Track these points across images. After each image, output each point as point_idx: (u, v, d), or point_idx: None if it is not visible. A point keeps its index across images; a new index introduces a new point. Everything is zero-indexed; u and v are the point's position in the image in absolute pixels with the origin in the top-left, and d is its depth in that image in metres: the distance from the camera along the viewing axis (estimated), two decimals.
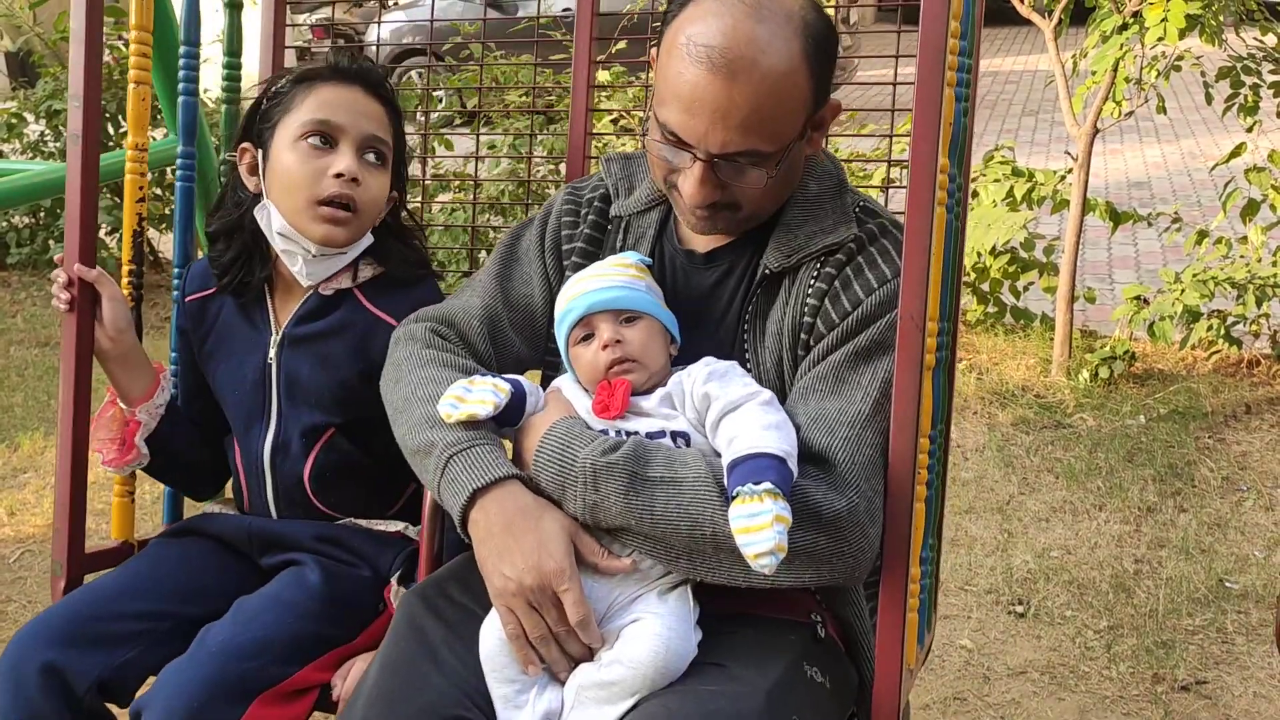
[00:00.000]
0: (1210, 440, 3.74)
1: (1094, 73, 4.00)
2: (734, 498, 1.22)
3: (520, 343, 1.57)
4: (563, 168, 4.96)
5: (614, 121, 4.94)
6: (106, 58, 5.91)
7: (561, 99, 5.16)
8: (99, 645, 1.53)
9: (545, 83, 5.33)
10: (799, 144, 1.40)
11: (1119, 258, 6.00)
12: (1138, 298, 4.33)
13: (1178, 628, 2.79)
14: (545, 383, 1.53)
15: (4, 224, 6.17)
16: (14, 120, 6.22)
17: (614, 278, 1.42)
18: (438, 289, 1.76)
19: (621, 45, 4.74)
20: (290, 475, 1.70)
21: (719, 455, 1.30)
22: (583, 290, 1.42)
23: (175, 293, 1.82)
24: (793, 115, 1.36)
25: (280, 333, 1.70)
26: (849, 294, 1.39)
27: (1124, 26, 3.86)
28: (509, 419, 1.39)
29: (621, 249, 1.54)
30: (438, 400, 1.37)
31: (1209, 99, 4.20)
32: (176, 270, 1.89)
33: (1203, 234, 4.35)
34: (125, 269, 1.80)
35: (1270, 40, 4.14)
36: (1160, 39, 3.69)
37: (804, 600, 1.44)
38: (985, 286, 4.59)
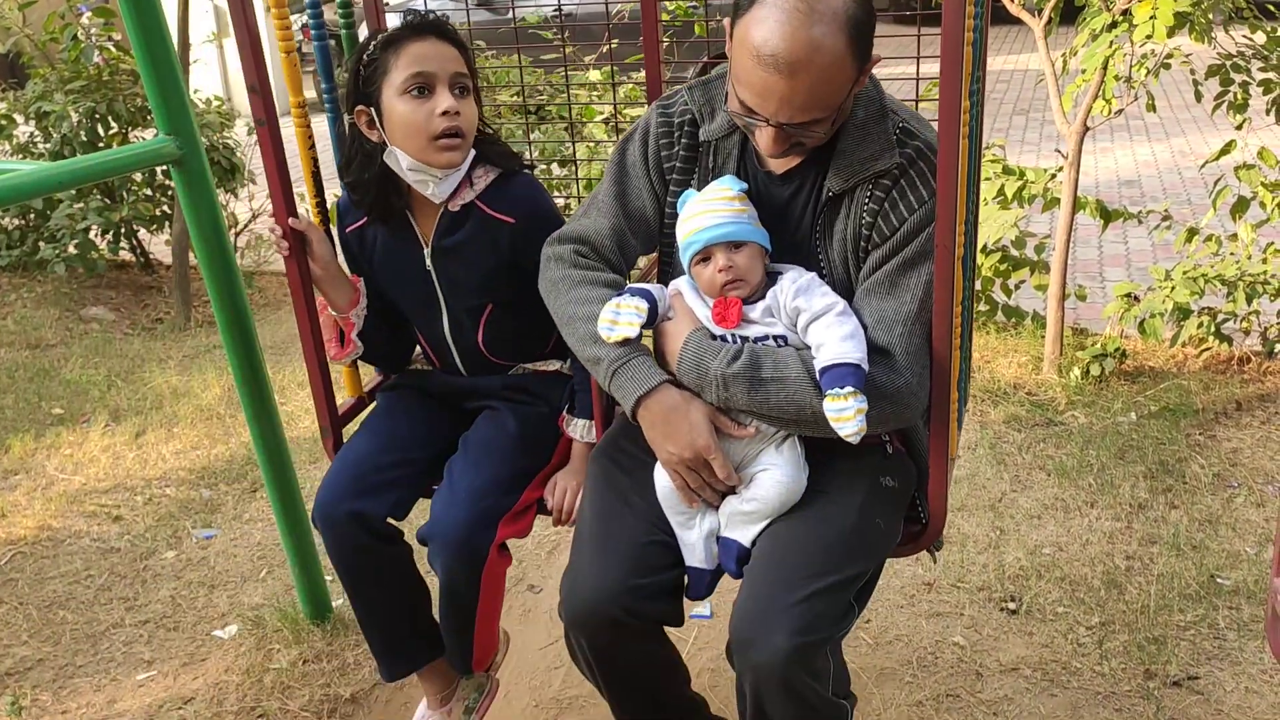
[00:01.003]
0: (1201, 437, 3.75)
1: (1084, 71, 4.00)
2: (827, 395, 1.69)
3: (640, 244, 2.00)
4: (554, 167, 4.95)
5: (605, 122, 4.94)
6: (96, 58, 5.89)
7: (553, 98, 5.16)
8: (377, 492, 2.10)
9: (536, 83, 5.33)
10: (849, 98, 1.75)
11: (1110, 256, 6.02)
12: (1128, 295, 4.34)
13: (1169, 624, 2.79)
14: (661, 259, 2.00)
15: None
16: (3, 122, 6.20)
17: (723, 212, 1.80)
18: (532, 179, 2.17)
19: (614, 44, 4.73)
20: (469, 343, 2.22)
21: (809, 348, 1.75)
22: (700, 226, 1.80)
23: (336, 227, 2.26)
24: (842, 88, 1.70)
25: (429, 246, 2.14)
26: (896, 213, 1.78)
27: (1113, 24, 3.87)
28: (648, 324, 1.84)
29: (712, 169, 1.91)
30: (593, 318, 1.83)
31: (1198, 97, 4.21)
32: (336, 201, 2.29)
33: (1193, 231, 4.36)
34: (313, 203, 2.24)
35: (1259, 38, 4.15)
36: (1149, 37, 3.69)
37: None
38: (977, 285, 4.60)
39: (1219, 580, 2.96)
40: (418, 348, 2.36)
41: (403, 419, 2.25)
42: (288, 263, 2.16)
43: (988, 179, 4.48)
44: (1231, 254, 4.29)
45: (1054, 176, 4.40)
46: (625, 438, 2.00)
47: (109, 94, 5.79)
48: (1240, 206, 4.26)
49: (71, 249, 5.79)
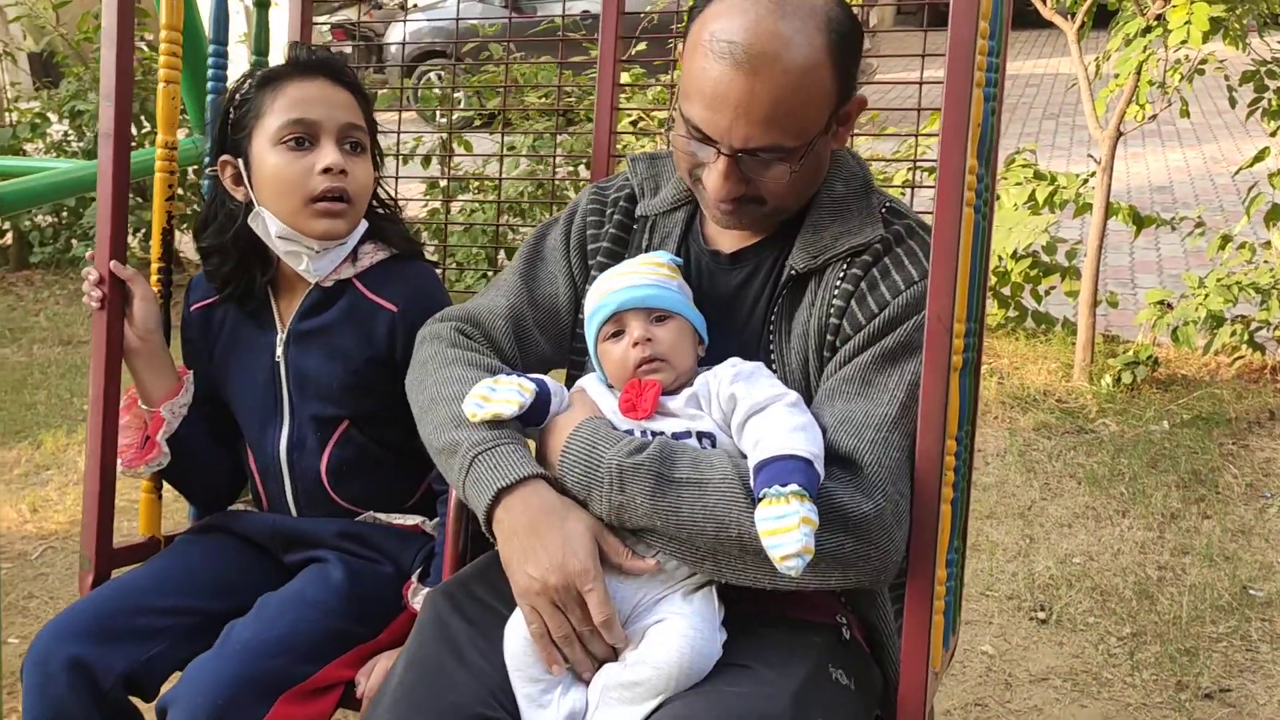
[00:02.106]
0: (1234, 446, 3.71)
1: (1117, 76, 3.97)
2: (760, 499, 1.22)
3: (545, 342, 1.58)
4: (583, 169, 4.94)
5: (633, 124, 4.94)
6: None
7: (581, 100, 5.17)
8: (125, 640, 1.55)
9: (565, 84, 5.34)
10: (823, 138, 1.40)
11: (1141, 262, 5.97)
12: (1161, 302, 4.30)
13: (1201, 635, 2.76)
14: (569, 381, 1.54)
15: (27, 223, 6.21)
16: (38, 120, 6.27)
17: (646, 276, 1.43)
18: (429, 268, 1.79)
19: (641, 46, 4.73)
20: (308, 471, 1.72)
21: (745, 456, 1.29)
22: (615, 287, 1.42)
23: (181, 304, 1.83)
24: (816, 110, 1.36)
25: (286, 330, 1.72)
26: (875, 295, 1.39)
27: (1147, 29, 3.83)
28: (534, 418, 1.40)
29: (647, 248, 1.54)
30: (463, 399, 1.39)
31: (1233, 103, 4.17)
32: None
33: (1226, 239, 4.32)
34: (155, 267, 1.81)
35: None
36: (1183, 42, 3.66)
37: (829, 602, 1.44)
38: (1006, 290, 4.57)
39: (1252, 592, 2.92)
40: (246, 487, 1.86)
41: (198, 559, 1.72)
42: (95, 320, 1.69)
43: (1018, 184, 4.45)
44: (1265, 262, 4.25)
45: (1085, 181, 4.37)
46: (480, 580, 1.47)
47: (141, 94, 5.84)
48: (1274, 214, 4.21)
49: None
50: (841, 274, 1.42)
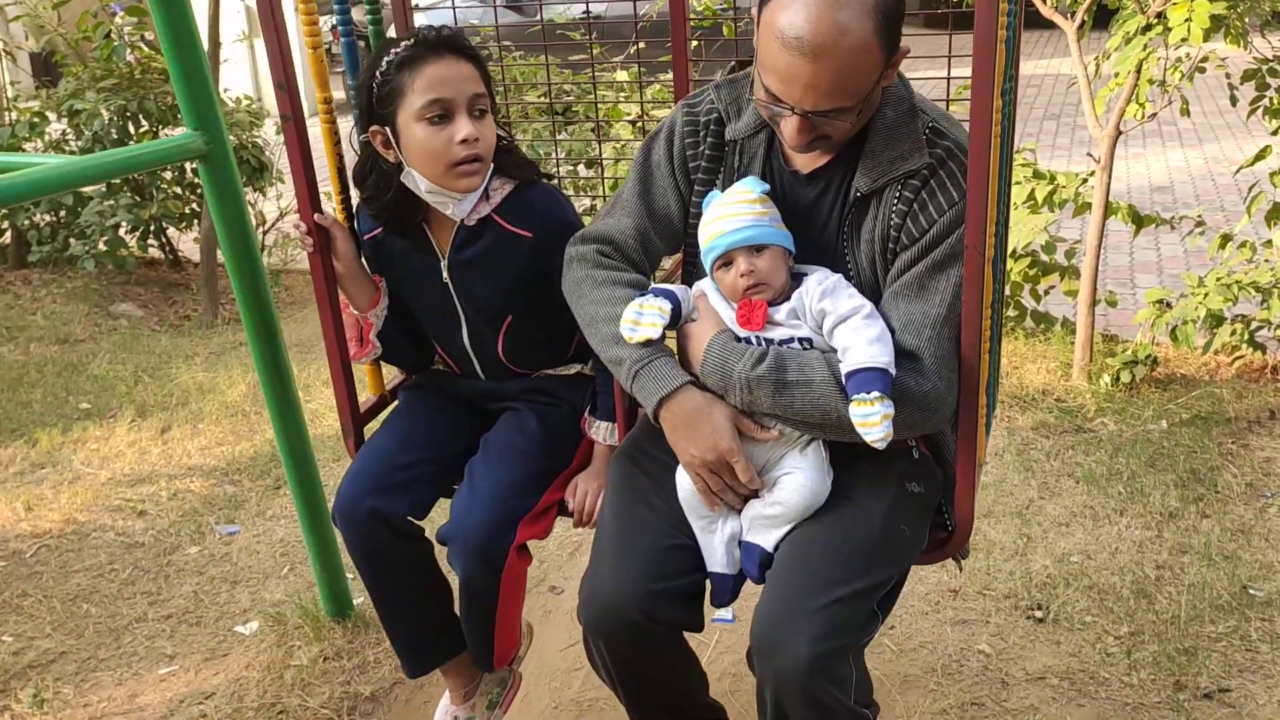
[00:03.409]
0: (1234, 446, 3.70)
1: (1117, 74, 3.95)
2: (853, 400, 1.67)
3: (665, 245, 1.98)
4: (580, 168, 4.94)
5: (632, 123, 4.93)
6: (128, 57, 5.93)
7: (580, 98, 5.16)
8: (398, 490, 2.11)
9: (564, 83, 5.33)
10: (875, 89, 1.71)
11: (1141, 262, 5.95)
12: (1160, 302, 4.28)
13: (1200, 634, 2.75)
14: (687, 262, 1.98)
15: (25, 222, 6.19)
16: (36, 119, 6.25)
17: (744, 216, 1.78)
18: (550, 189, 2.16)
19: (641, 46, 4.72)
20: (489, 355, 2.22)
21: (835, 351, 1.72)
22: (721, 231, 1.79)
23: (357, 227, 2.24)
24: (869, 77, 1.67)
25: (446, 259, 2.13)
26: (925, 214, 1.76)
27: (1148, 27, 3.82)
28: (672, 325, 1.81)
29: (738, 169, 1.89)
30: (616, 319, 1.80)
31: (1234, 101, 4.15)
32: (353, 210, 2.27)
33: (1226, 238, 4.30)
34: (338, 200, 2.21)
35: None
36: (1184, 40, 3.64)
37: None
38: (1006, 290, 4.55)
39: (1251, 591, 2.91)
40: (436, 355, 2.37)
41: (423, 418, 2.25)
42: (311, 259, 2.16)
43: (1018, 183, 4.43)
44: (1266, 261, 4.23)
45: (1085, 181, 4.35)
46: (648, 440, 1.99)
47: (140, 92, 5.83)
48: (1275, 213, 4.19)
49: (101, 245, 5.84)
50: (897, 195, 1.77)
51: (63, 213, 6.19)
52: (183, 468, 3.90)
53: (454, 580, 2.16)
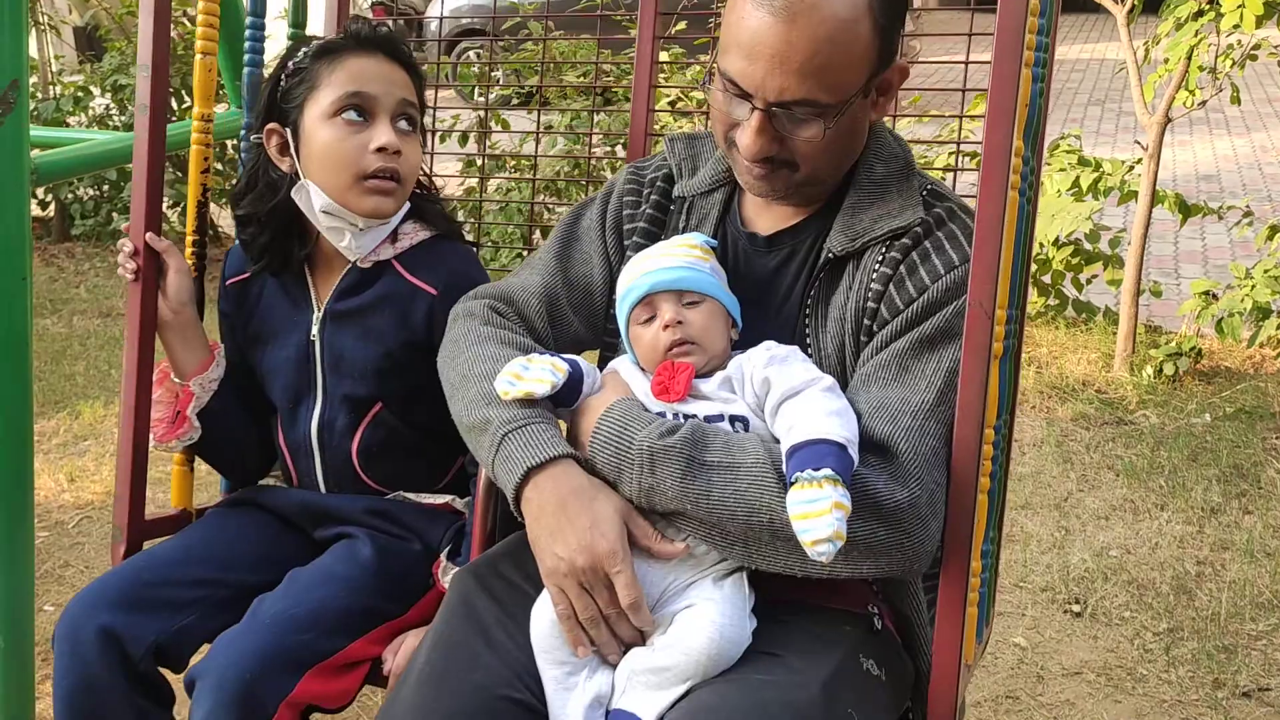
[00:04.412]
0: (1277, 440, 3.64)
1: (1166, 61, 3.89)
2: (793, 483, 1.18)
3: (579, 322, 1.56)
4: (619, 149, 4.89)
5: (671, 104, 4.91)
6: (171, 31, 5.97)
7: (620, 79, 5.14)
8: (156, 610, 1.54)
9: (604, 62, 5.31)
10: (860, 101, 1.36)
11: (1186, 252, 5.86)
12: (1206, 293, 4.22)
13: (1240, 632, 2.71)
14: (603, 363, 1.52)
15: (69, 195, 6.27)
16: (80, 93, 6.32)
17: (679, 258, 1.39)
18: (470, 251, 1.78)
19: (682, 25, 4.69)
20: (339, 452, 1.71)
21: (778, 441, 1.26)
22: (646, 269, 1.40)
23: (219, 279, 1.83)
24: (853, 67, 1.32)
25: (322, 309, 1.70)
26: (914, 280, 1.35)
27: (1199, 13, 3.75)
28: (566, 399, 1.37)
29: (684, 230, 1.52)
30: (495, 377, 1.37)
31: None
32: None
33: (1274, 229, 4.23)
34: (189, 240, 1.81)
35: None
36: (1236, 26, 3.58)
37: (861, 591, 1.41)
38: (1047, 278, 4.50)
39: None
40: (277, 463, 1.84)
41: (229, 528, 1.72)
42: (130, 291, 1.69)
43: (1063, 170, 4.38)
44: None
45: (1131, 169, 4.29)
46: (508, 559, 1.46)
47: (183, 68, 5.87)
48: None
49: None
50: (880, 258, 1.38)
51: (105, 187, 6.26)
52: None
53: None
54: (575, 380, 1.37)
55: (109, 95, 6.12)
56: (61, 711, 1.52)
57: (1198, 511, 3.24)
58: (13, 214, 1.83)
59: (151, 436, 1.73)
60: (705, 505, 1.26)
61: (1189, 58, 3.82)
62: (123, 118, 6.11)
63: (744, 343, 1.41)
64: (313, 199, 1.62)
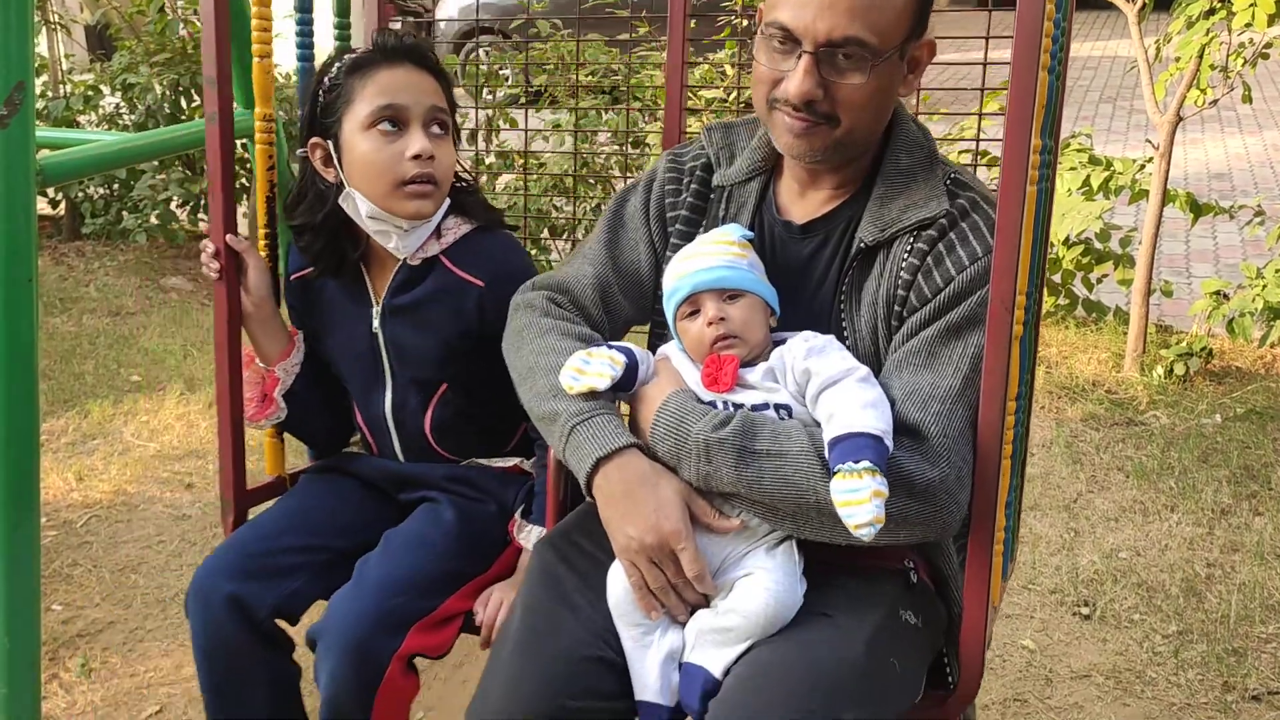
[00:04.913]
0: None
1: (1178, 59, 3.87)
2: (835, 473, 1.32)
3: (629, 306, 1.69)
4: (627, 147, 4.90)
5: None
6: (181, 31, 5.98)
7: (629, 78, 5.13)
8: (270, 578, 1.75)
9: (612, 62, 5.30)
10: (897, 62, 1.47)
11: (1197, 251, 5.83)
12: (1217, 293, 4.19)
13: (1250, 635, 2.70)
14: (653, 338, 1.69)
15: (79, 194, 6.28)
16: (91, 93, 6.33)
17: (718, 256, 1.51)
18: (511, 238, 1.89)
19: (692, 24, 4.67)
20: (413, 428, 1.88)
21: (819, 425, 1.40)
22: (689, 270, 1.51)
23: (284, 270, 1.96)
24: (896, 13, 1.43)
25: (380, 304, 1.84)
26: (941, 270, 1.47)
27: (1211, 11, 3.73)
28: (624, 386, 1.51)
29: (723, 218, 1.62)
30: (558, 370, 1.50)
31: None
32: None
33: None
34: (261, 233, 1.91)
35: None
36: (1248, 25, 3.55)
37: (898, 550, 1.55)
38: (1057, 278, 4.48)
39: None
40: (357, 432, 2.02)
41: (324, 499, 1.91)
42: (215, 290, 1.84)
43: (1072, 168, 4.36)
44: None
45: (1143, 168, 4.27)
46: (580, 530, 1.63)
47: (193, 67, 5.88)
48: None
49: (153, 219, 5.91)
50: (908, 248, 1.49)
51: (115, 186, 6.27)
52: None
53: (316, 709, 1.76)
54: (631, 369, 1.51)
55: (119, 94, 6.13)
56: (201, 665, 1.76)
57: (1208, 513, 3.22)
58: (19, 215, 1.83)
59: (245, 415, 1.90)
60: (757, 489, 1.40)
61: (1200, 56, 3.80)
62: (132, 116, 6.12)
63: (783, 324, 1.54)
64: (359, 206, 1.75)
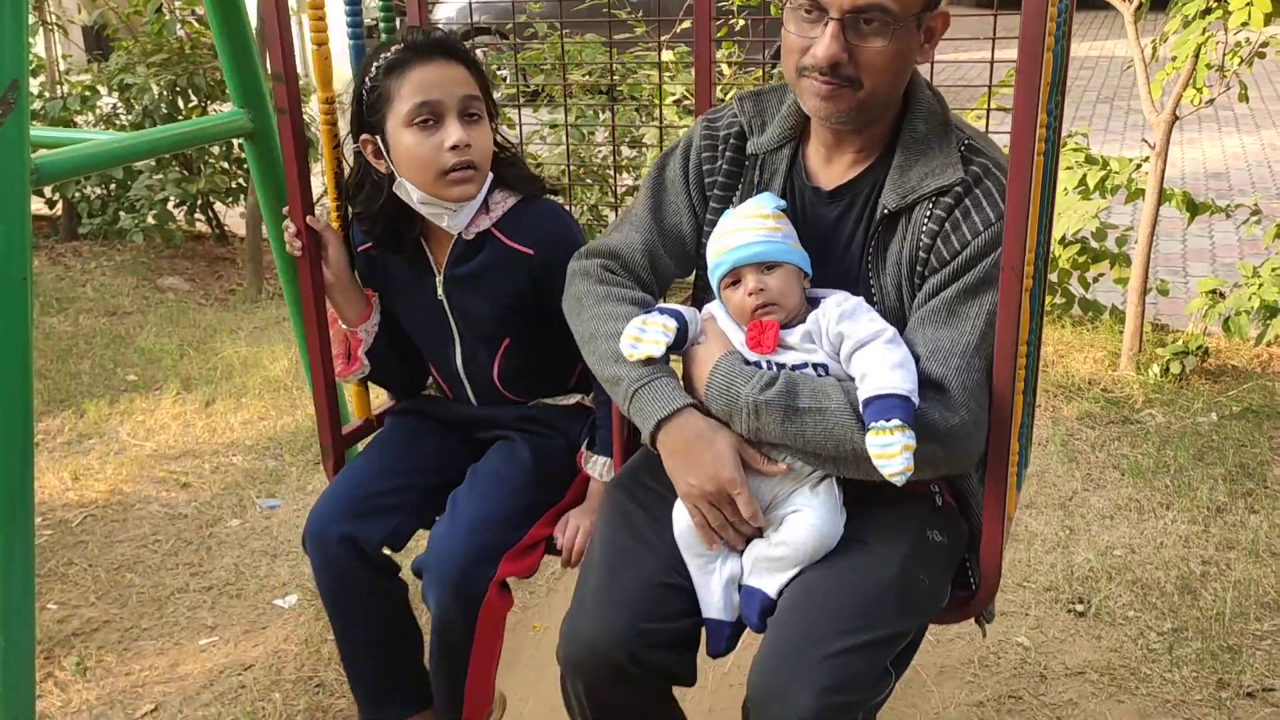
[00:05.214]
0: None
1: (1174, 58, 3.87)
2: (870, 429, 1.53)
3: (675, 266, 1.87)
4: (625, 149, 4.91)
5: (676, 102, 4.90)
6: (179, 32, 5.98)
7: (625, 77, 5.13)
8: (374, 518, 2.00)
9: (609, 62, 5.30)
10: (914, 30, 1.60)
11: (1194, 250, 5.84)
12: (1213, 291, 4.19)
13: (1245, 632, 2.70)
14: (696, 290, 1.89)
15: (76, 195, 6.28)
16: (88, 93, 6.33)
17: (755, 231, 1.68)
18: (554, 206, 2.06)
19: (687, 24, 4.67)
20: (483, 378, 2.11)
21: (853, 380, 1.60)
22: (729, 246, 1.69)
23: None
24: None
25: (442, 274, 2.04)
26: (958, 235, 1.64)
27: (1207, 10, 3.73)
28: (676, 346, 1.71)
29: (758, 184, 1.79)
30: (617, 336, 1.70)
31: None
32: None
33: None
34: (332, 205, 2.09)
35: None
36: (1244, 24, 3.55)
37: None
38: (1053, 277, 4.48)
39: None
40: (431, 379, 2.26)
41: (408, 444, 2.15)
42: (299, 265, 2.04)
43: (1069, 168, 4.36)
44: None
45: (1139, 167, 4.27)
46: (645, 470, 1.86)
47: (190, 68, 5.88)
48: None
49: (150, 219, 5.91)
50: (928, 214, 1.65)
51: (113, 186, 6.27)
52: (225, 441, 3.94)
53: (428, 627, 2.05)
54: (682, 332, 1.70)
55: (116, 94, 6.13)
56: (325, 596, 2.04)
57: (1203, 511, 3.22)
58: (13, 214, 1.84)
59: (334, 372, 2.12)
60: (801, 440, 1.61)
61: (1197, 55, 3.80)
62: (129, 117, 6.12)
63: (815, 282, 1.72)
64: (411, 193, 1.93)
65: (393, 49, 1.91)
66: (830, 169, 1.75)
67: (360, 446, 2.27)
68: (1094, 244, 4.40)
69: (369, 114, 1.92)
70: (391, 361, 2.15)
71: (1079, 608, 2.82)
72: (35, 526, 1.96)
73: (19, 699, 2.00)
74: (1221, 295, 4.18)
